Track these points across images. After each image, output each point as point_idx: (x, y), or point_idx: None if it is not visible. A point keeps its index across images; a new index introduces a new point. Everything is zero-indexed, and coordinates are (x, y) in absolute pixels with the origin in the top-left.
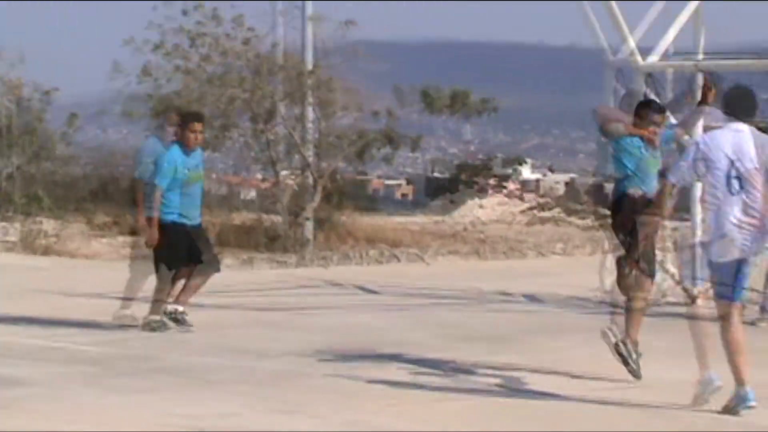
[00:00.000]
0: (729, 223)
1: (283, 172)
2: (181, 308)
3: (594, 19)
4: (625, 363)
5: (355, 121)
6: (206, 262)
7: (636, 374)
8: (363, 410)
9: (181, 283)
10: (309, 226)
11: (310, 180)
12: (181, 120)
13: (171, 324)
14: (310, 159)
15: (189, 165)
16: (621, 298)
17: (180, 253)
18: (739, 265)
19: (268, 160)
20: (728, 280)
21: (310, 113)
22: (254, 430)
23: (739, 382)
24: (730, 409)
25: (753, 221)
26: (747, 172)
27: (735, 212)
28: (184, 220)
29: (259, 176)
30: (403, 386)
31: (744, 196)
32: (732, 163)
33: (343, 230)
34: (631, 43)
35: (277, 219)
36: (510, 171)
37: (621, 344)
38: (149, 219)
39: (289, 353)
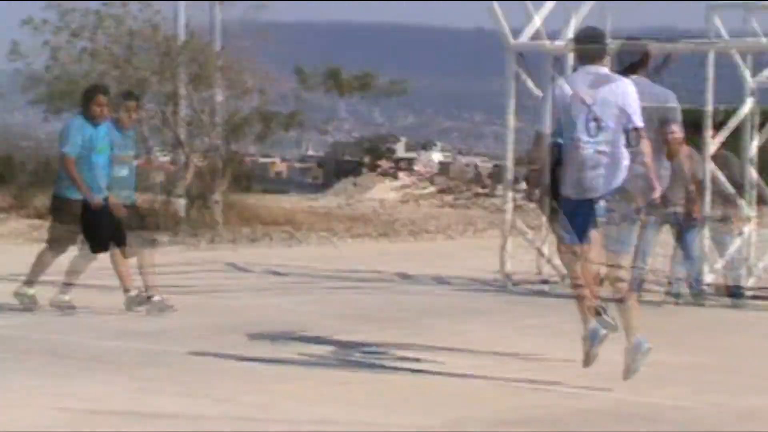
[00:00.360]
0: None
1: (191, 155)
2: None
3: (495, 2)
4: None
5: (261, 102)
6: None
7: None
8: (270, 392)
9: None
10: (217, 208)
11: (218, 162)
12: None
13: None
14: (218, 141)
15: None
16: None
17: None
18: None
19: (175, 142)
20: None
21: (218, 95)
22: (159, 413)
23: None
24: (589, 353)
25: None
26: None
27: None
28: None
29: (166, 158)
30: (310, 368)
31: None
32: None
33: (251, 213)
34: (535, 26)
35: (184, 202)
36: (418, 154)
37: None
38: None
39: (195, 336)
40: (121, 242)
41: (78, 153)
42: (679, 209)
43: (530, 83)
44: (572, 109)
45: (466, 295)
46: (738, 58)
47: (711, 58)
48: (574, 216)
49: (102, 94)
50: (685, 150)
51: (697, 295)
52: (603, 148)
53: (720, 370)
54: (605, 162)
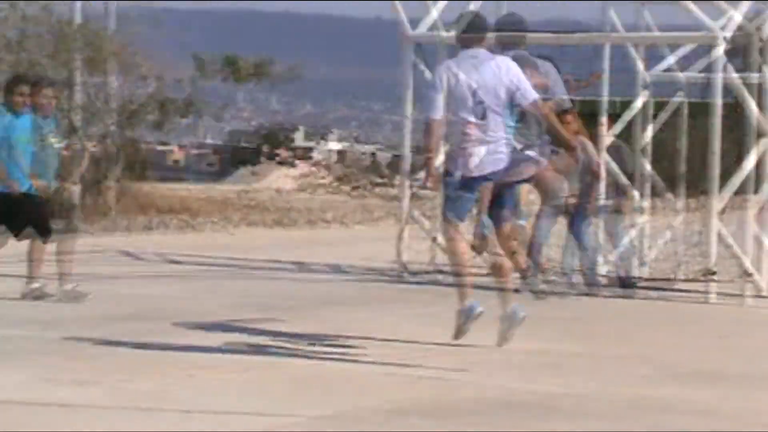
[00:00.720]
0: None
1: (84, 140)
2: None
3: None
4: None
5: (157, 89)
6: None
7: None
8: (160, 381)
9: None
10: (112, 196)
11: (113, 149)
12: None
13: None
14: (112, 127)
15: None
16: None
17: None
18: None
19: (68, 127)
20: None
21: (113, 81)
22: (51, 402)
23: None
24: (461, 328)
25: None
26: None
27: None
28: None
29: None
30: (204, 357)
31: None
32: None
33: (146, 200)
34: (433, 17)
35: (79, 189)
36: (316, 142)
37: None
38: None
39: (88, 324)
40: (43, 231)
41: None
42: (572, 199)
43: (428, 74)
44: (459, 93)
45: (362, 284)
46: (633, 51)
47: (607, 50)
48: (462, 195)
49: (24, 84)
50: (578, 140)
51: (592, 285)
52: (490, 130)
53: (611, 359)
54: (492, 143)
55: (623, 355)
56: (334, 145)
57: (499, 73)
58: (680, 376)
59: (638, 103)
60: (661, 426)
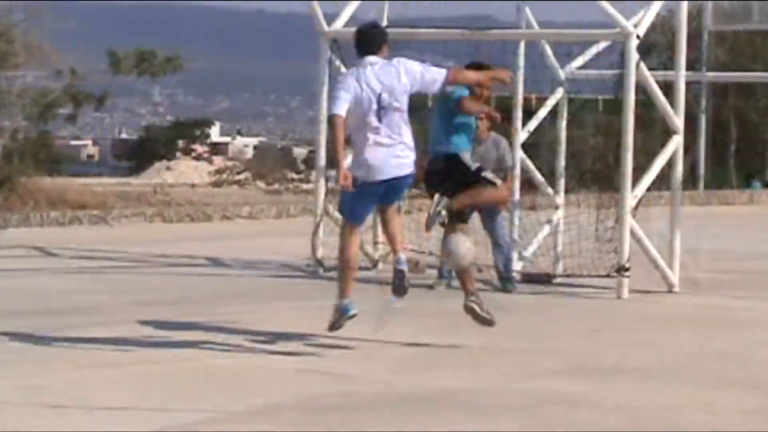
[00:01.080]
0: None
1: None
2: None
3: None
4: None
5: (38, 79)
6: None
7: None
8: (66, 376)
9: None
10: (24, 191)
11: (25, 144)
12: None
13: None
14: (23, 122)
15: None
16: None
17: None
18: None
19: None
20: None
21: (27, 76)
22: None
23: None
24: (335, 324)
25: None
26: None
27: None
28: None
29: None
30: (109, 352)
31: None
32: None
33: (25, 191)
34: (350, 13)
35: None
36: (233, 138)
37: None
38: None
39: None
40: None
41: None
42: None
43: (344, 69)
44: (364, 97)
45: (277, 279)
46: (548, 49)
47: (521, 47)
48: (361, 199)
49: None
50: (491, 136)
51: (507, 281)
52: (394, 134)
53: (514, 353)
54: (393, 146)
55: (526, 349)
56: (251, 141)
57: (398, 75)
58: (582, 370)
59: (553, 100)
60: (560, 420)
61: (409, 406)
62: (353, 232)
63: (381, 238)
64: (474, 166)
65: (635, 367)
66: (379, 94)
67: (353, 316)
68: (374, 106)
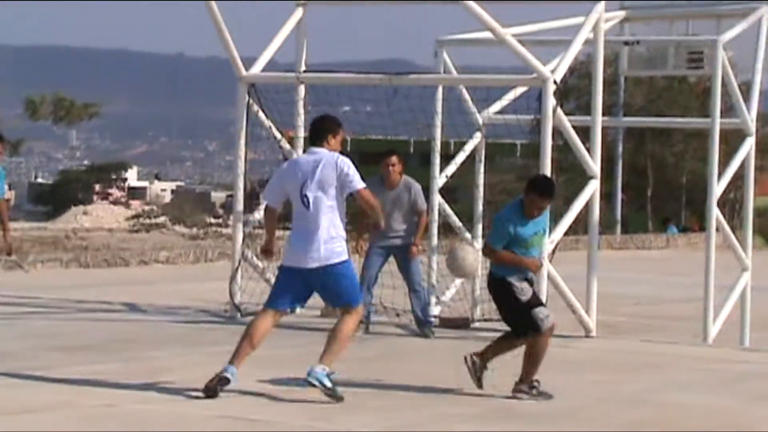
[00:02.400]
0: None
1: None
2: None
3: (226, 32)
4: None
5: None
6: None
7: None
8: None
9: None
10: None
11: None
12: None
13: None
14: None
15: None
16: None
17: None
18: None
19: None
20: None
21: None
22: None
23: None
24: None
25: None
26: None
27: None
28: None
29: None
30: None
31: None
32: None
33: None
34: (268, 57)
35: None
36: (150, 182)
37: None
38: None
39: None
40: None
41: None
42: (398, 241)
43: (262, 114)
44: (293, 185)
45: (194, 325)
46: (465, 93)
47: (439, 92)
48: (282, 284)
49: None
50: (403, 181)
51: (425, 325)
52: (318, 219)
53: (407, 398)
54: (317, 232)
55: (441, 393)
56: (168, 186)
57: (330, 168)
58: (498, 416)
59: (471, 145)
60: None
61: None
62: (265, 313)
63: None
64: None
65: (554, 411)
66: (305, 182)
67: (224, 381)
68: (299, 194)
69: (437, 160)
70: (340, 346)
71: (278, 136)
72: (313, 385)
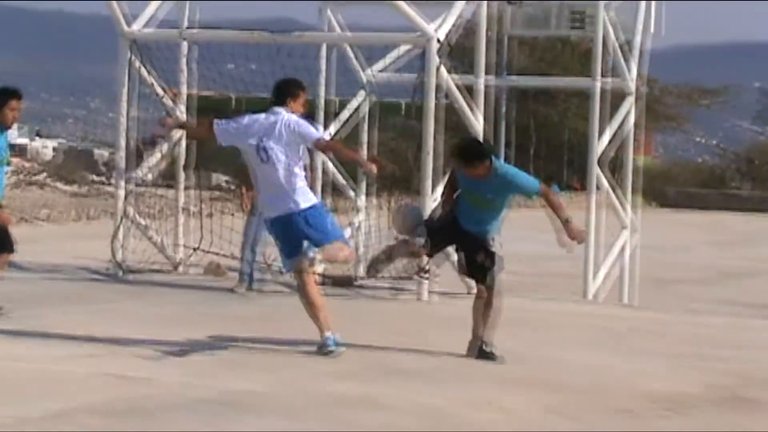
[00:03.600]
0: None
1: None
2: None
3: None
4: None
5: None
6: None
7: None
8: None
9: None
10: None
11: None
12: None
13: None
14: None
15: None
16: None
17: None
18: None
19: None
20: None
21: None
22: None
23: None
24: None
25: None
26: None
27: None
28: None
29: None
30: None
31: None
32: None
33: None
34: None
35: None
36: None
37: None
38: None
39: None
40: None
41: None
42: None
43: (143, 71)
44: (249, 138)
45: (76, 283)
46: (350, 52)
47: (323, 50)
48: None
49: (16, 98)
50: None
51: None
52: (278, 173)
53: (298, 355)
54: (280, 185)
55: (309, 352)
56: (51, 143)
57: (284, 126)
58: (379, 372)
59: (356, 103)
60: (341, 420)
61: (202, 409)
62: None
63: (182, 241)
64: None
65: (431, 367)
66: (262, 138)
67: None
68: (259, 149)
69: (322, 119)
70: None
71: (161, 93)
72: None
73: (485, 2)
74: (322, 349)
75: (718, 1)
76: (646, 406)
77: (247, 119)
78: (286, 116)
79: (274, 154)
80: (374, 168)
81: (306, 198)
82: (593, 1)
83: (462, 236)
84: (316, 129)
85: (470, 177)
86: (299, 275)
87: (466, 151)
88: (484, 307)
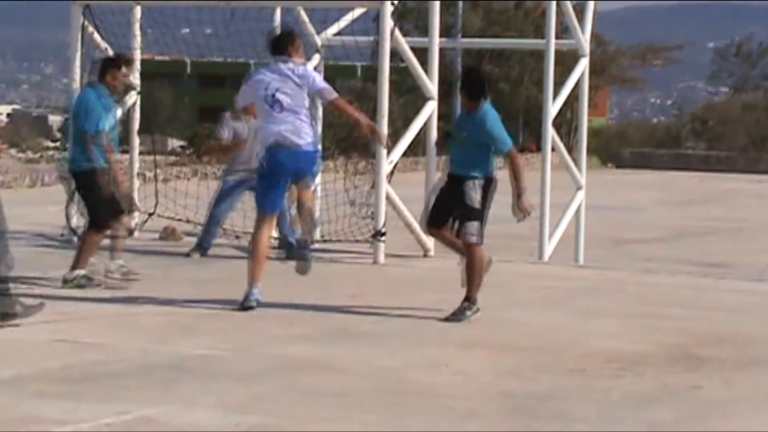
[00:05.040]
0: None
1: None
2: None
3: None
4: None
5: None
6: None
7: None
8: None
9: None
10: None
11: None
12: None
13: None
14: None
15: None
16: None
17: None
18: None
19: None
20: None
21: None
22: None
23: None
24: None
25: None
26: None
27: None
28: None
29: None
30: None
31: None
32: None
33: None
34: None
35: None
36: None
37: None
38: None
39: None
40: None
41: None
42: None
43: (97, 36)
44: (262, 90)
45: (30, 249)
46: (304, 15)
47: (277, 14)
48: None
49: (125, 65)
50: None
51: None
52: (288, 118)
53: (251, 319)
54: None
55: (283, 315)
56: (5, 109)
57: (301, 77)
58: (337, 335)
59: (309, 67)
60: (296, 384)
61: (159, 375)
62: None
63: (138, 206)
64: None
65: (390, 330)
66: (276, 88)
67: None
68: (269, 99)
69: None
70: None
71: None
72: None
73: None
74: (243, 303)
75: None
76: (601, 365)
77: (256, 74)
78: (300, 68)
79: (286, 102)
80: (382, 135)
81: (308, 142)
82: None
83: (449, 192)
84: (329, 85)
85: (463, 107)
86: (266, 221)
87: (468, 80)
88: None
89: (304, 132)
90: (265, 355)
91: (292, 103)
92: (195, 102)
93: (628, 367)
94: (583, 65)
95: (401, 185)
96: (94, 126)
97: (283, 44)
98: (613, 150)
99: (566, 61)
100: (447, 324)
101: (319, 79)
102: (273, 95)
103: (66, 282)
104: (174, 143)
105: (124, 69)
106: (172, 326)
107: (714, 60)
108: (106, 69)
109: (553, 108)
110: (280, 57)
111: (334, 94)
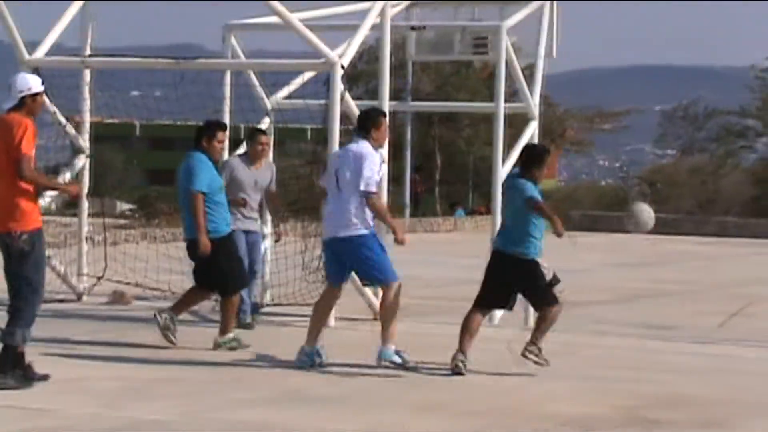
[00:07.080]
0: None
1: None
2: None
3: (8, 15)
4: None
5: None
6: None
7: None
8: None
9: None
10: None
11: None
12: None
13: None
14: None
15: None
16: None
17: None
18: None
19: None
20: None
21: None
22: None
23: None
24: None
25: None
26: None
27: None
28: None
29: None
30: None
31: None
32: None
33: None
34: (52, 40)
35: None
36: None
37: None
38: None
39: None
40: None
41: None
42: (252, 224)
43: (47, 99)
44: (333, 168)
45: None
46: (254, 78)
47: (228, 77)
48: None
49: (222, 131)
50: (267, 161)
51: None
52: (346, 198)
53: (205, 383)
54: (344, 208)
55: (229, 380)
56: None
57: (355, 160)
58: (284, 399)
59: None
60: None
61: None
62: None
63: (86, 269)
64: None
65: (344, 394)
66: (337, 168)
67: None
68: (333, 177)
69: (226, 146)
70: (390, 318)
71: (63, 121)
72: (390, 365)
73: (388, 28)
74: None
75: (619, 26)
76: (556, 428)
77: (337, 151)
78: (364, 150)
79: (343, 181)
80: (406, 239)
81: (351, 228)
82: (495, 26)
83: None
84: (378, 179)
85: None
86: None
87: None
88: (538, 319)
89: (350, 216)
90: (218, 421)
91: (352, 185)
92: (144, 164)
93: (583, 429)
94: (533, 128)
95: None
96: None
97: (366, 123)
98: (563, 212)
99: (516, 124)
100: (401, 386)
101: (367, 169)
102: (337, 172)
103: (218, 346)
104: (123, 206)
105: (221, 134)
106: (126, 390)
107: (661, 123)
108: None
109: (503, 170)
110: (357, 135)
111: (372, 190)
